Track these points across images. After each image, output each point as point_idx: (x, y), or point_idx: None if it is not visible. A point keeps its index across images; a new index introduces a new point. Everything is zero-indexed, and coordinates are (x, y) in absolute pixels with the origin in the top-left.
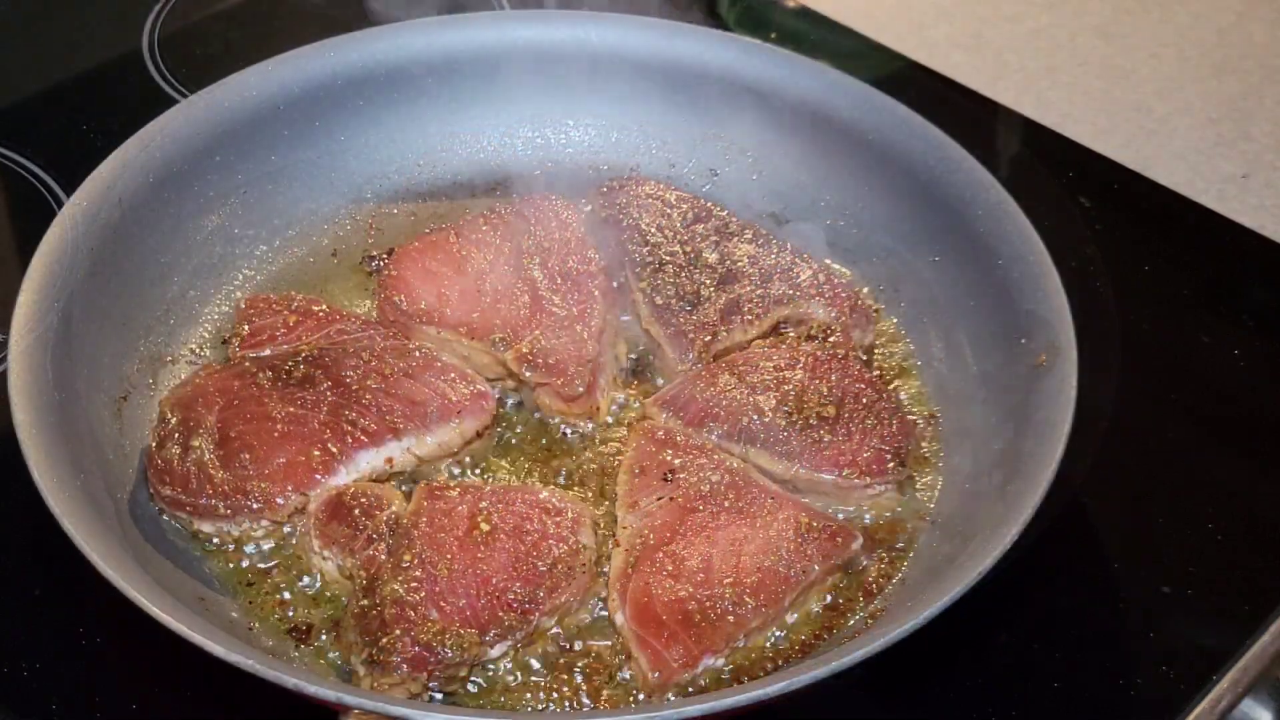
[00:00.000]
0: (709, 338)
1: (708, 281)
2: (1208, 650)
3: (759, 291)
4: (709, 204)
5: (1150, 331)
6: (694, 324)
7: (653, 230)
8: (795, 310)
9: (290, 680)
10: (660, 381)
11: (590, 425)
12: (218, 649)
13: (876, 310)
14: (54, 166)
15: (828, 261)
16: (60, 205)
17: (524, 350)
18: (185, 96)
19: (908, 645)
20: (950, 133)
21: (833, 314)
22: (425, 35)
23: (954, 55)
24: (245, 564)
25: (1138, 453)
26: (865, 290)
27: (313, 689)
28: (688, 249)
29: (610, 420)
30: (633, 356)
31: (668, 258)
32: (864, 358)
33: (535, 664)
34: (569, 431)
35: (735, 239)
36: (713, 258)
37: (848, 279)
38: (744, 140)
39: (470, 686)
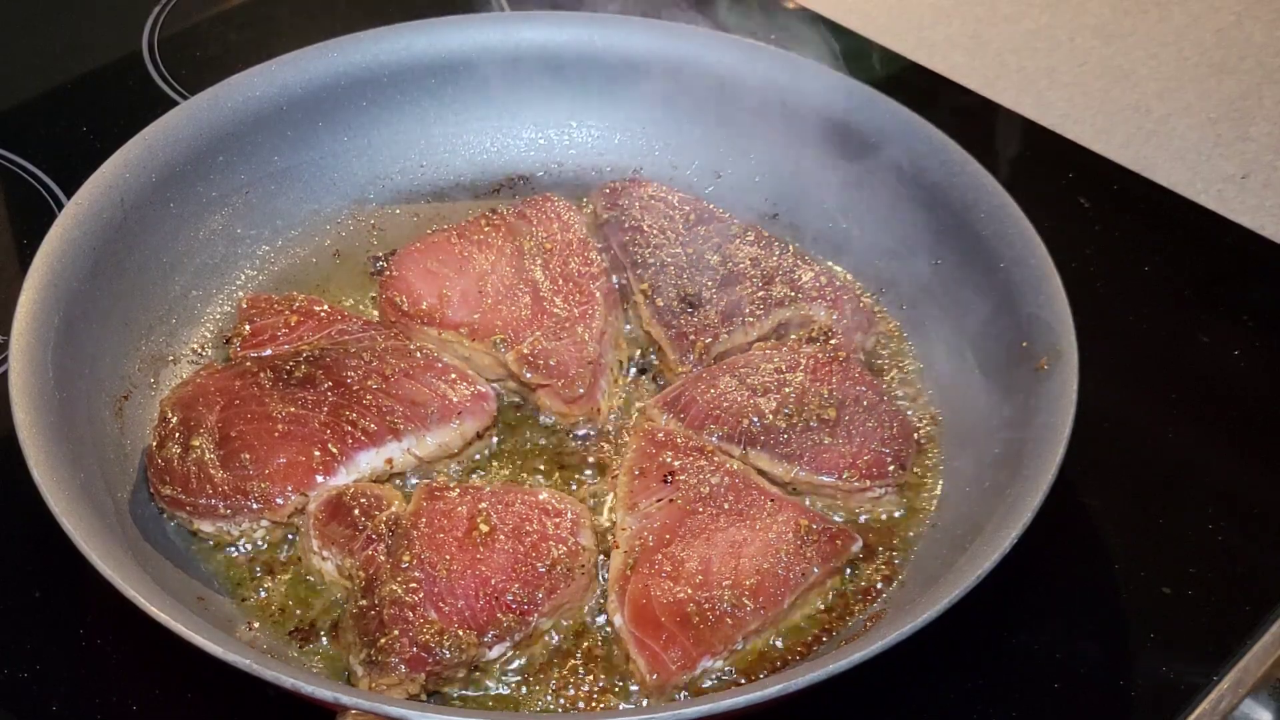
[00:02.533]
0: (710, 339)
1: (709, 283)
2: (1208, 650)
3: (760, 293)
4: (711, 206)
5: (1150, 331)
6: (695, 326)
7: (655, 232)
8: (797, 312)
9: (288, 680)
10: (661, 382)
11: (591, 426)
12: (216, 649)
13: (878, 313)
14: (54, 168)
15: (829, 264)
16: (60, 207)
17: (525, 351)
18: (185, 98)
19: (908, 646)
20: (950, 133)
21: (834, 316)
22: (428, 36)
23: (953, 56)
24: (245, 564)
25: (1138, 453)
26: (867, 292)
27: (310, 689)
28: (689, 250)
29: (611, 421)
30: (634, 358)
31: (669, 259)
32: (864, 360)
33: (533, 665)
34: (569, 433)
35: (737, 241)
36: (714, 259)
37: (849, 281)
38: (746, 142)
39: (468, 688)
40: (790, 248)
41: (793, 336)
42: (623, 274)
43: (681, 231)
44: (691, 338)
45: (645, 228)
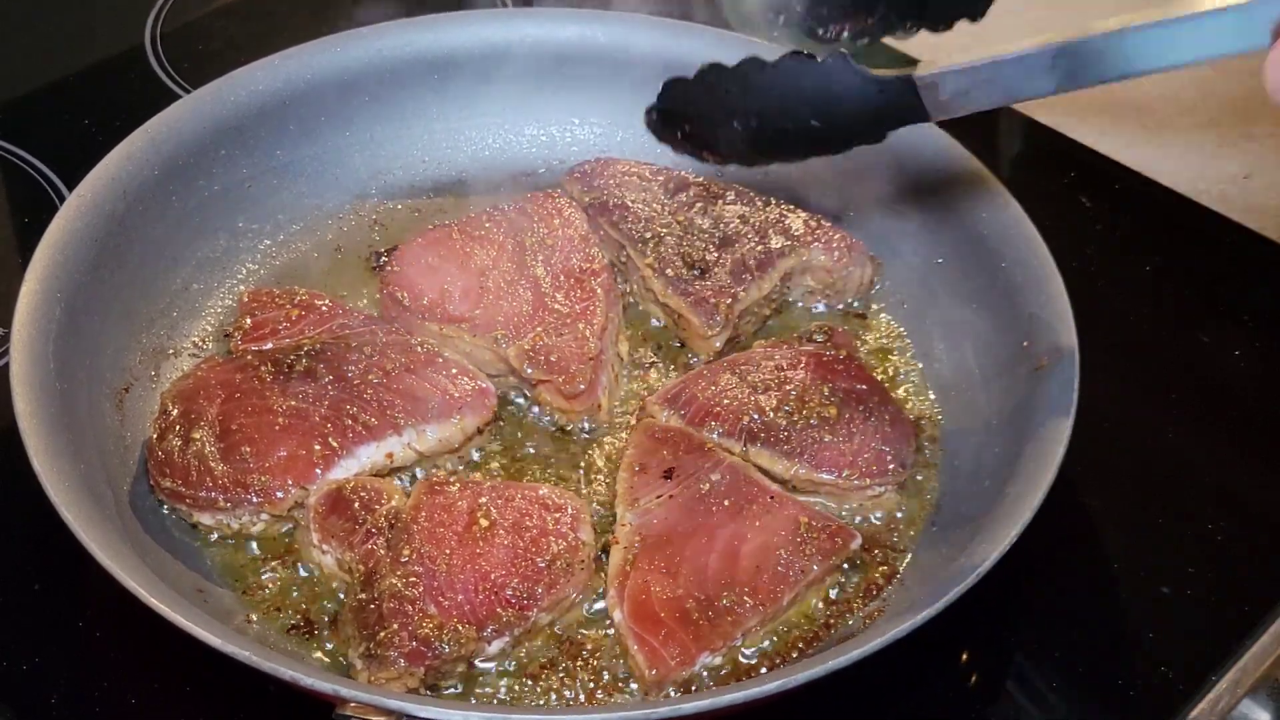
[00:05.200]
0: (729, 300)
1: (709, 246)
2: (1207, 651)
3: (759, 247)
4: (683, 173)
5: (1150, 331)
6: (711, 289)
7: (640, 205)
8: (798, 259)
9: (287, 673)
10: (660, 374)
11: (591, 423)
12: (215, 640)
13: (876, 261)
14: (57, 161)
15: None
16: (62, 200)
17: (526, 347)
18: (188, 92)
19: (907, 645)
20: (951, 132)
21: (834, 257)
22: (431, 32)
23: (955, 54)
24: (244, 557)
25: (1138, 453)
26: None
27: (309, 681)
28: (680, 219)
29: (611, 417)
30: (634, 354)
31: (663, 229)
32: (865, 358)
33: (533, 660)
34: (570, 428)
35: (720, 201)
36: (705, 223)
37: (835, 224)
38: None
39: (467, 682)
40: (772, 200)
41: (793, 335)
42: (620, 253)
43: (665, 201)
44: (712, 300)
45: (629, 204)
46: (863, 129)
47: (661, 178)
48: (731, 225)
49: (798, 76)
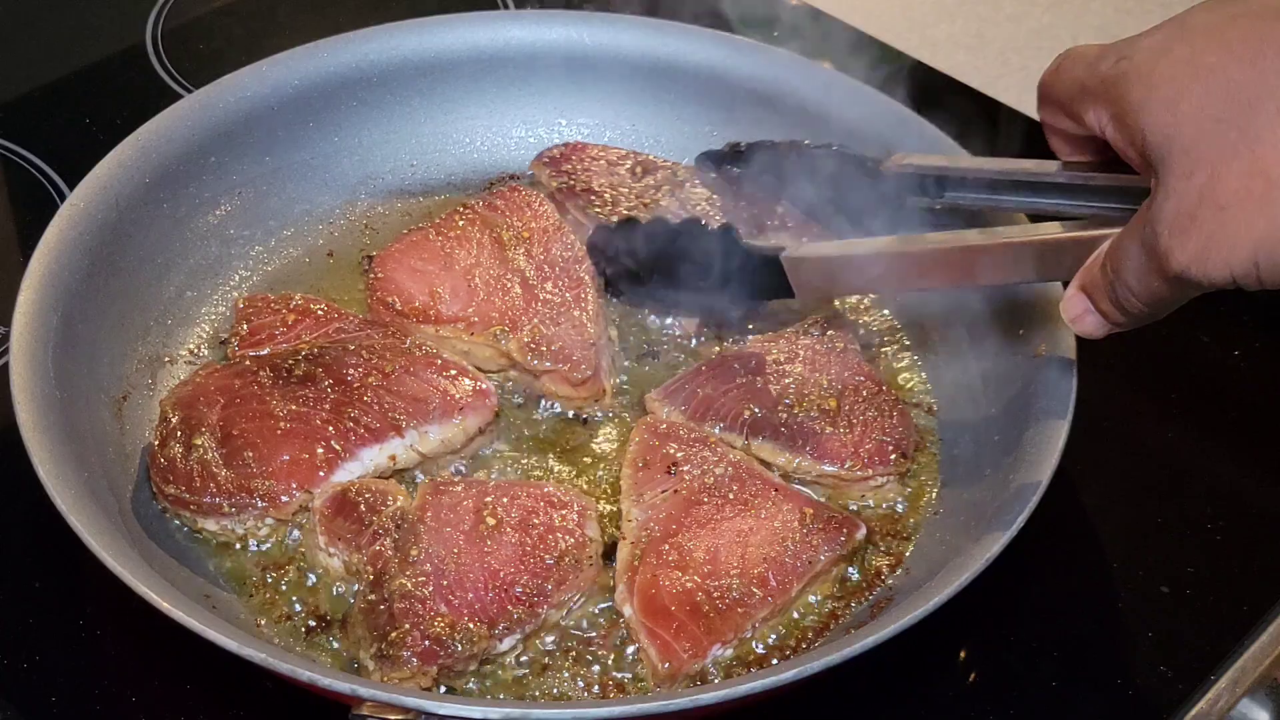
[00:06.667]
0: None
1: None
2: (1206, 650)
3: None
4: (649, 156)
5: (1150, 331)
6: None
7: (607, 189)
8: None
9: (305, 674)
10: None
11: (595, 410)
12: (230, 644)
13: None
14: (57, 160)
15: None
16: (63, 199)
17: (526, 339)
18: (189, 91)
19: (906, 644)
20: (951, 132)
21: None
22: (418, 35)
23: (956, 54)
24: (250, 562)
25: (1138, 453)
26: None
27: (327, 681)
28: (646, 201)
29: (609, 406)
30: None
31: (629, 213)
32: (861, 350)
33: (544, 657)
34: (573, 419)
35: (686, 185)
36: (673, 205)
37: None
38: (739, 138)
39: (479, 680)
40: (742, 185)
41: (789, 328)
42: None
43: (633, 184)
44: None
45: (596, 188)
46: (742, 296)
47: (629, 161)
48: (698, 208)
49: (693, 241)
